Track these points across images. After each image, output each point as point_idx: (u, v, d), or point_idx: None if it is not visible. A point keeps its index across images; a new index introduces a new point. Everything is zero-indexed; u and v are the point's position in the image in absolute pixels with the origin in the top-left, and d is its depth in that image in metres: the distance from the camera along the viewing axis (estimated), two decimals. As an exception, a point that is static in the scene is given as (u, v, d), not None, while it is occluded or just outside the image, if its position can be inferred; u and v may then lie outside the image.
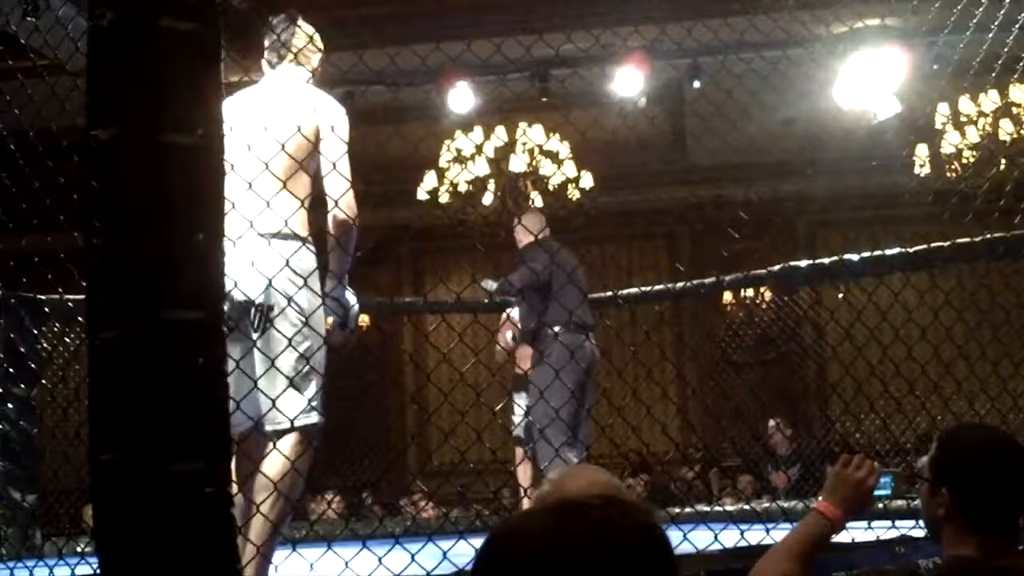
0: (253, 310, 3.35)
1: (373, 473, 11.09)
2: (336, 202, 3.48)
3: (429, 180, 9.31)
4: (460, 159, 9.14)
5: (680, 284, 7.02)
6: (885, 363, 4.55)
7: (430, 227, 9.75)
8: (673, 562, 1.34)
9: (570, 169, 9.22)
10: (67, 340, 6.68)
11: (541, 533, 1.29)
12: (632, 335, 5.98)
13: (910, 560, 2.94)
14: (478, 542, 1.38)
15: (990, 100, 8.00)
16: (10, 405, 5.78)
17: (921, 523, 2.64)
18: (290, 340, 3.32)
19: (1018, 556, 2.28)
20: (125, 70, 2.76)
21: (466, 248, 9.49)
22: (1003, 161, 7.89)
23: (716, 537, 3.83)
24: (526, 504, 5.84)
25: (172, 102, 2.72)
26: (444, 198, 9.33)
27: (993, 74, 5.06)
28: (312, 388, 3.42)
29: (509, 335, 6.58)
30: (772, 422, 9.32)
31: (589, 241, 10.34)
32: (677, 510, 6.25)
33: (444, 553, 3.39)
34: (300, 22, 3.75)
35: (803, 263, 6.75)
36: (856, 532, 3.43)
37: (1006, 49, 5.03)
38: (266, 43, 3.75)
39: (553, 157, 9.17)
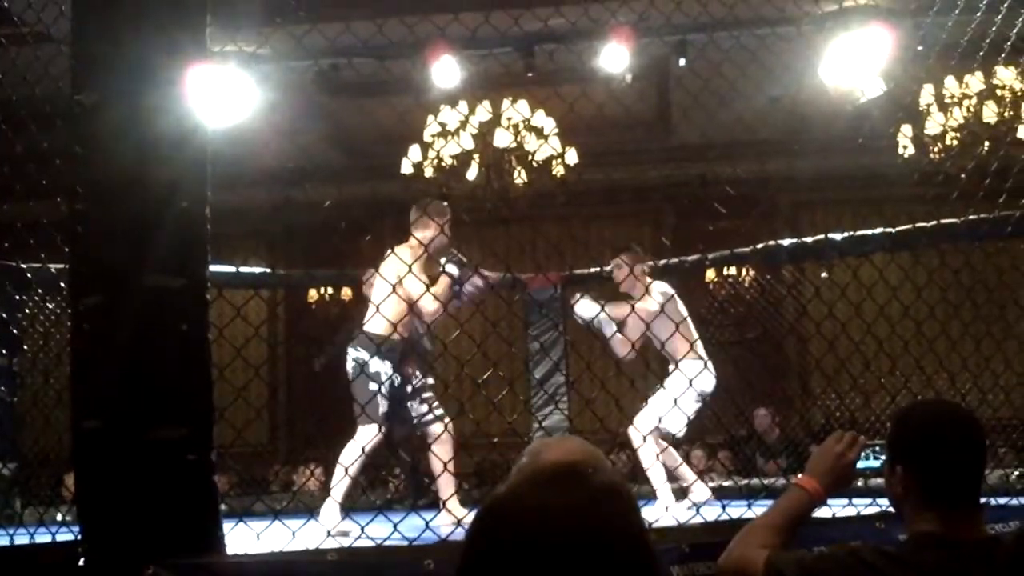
0: None
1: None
2: None
3: (414, 154, 9.26)
4: (445, 133, 9.08)
5: (664, 261, 6.98)
6: (867, 340, 4.57)
7: (414, 200, 9.69)
8: (638, 525, 1.35)
9: (555, 145, 9.17)
10: (49, 308, 6.64)
11: (527, 509, 1.29)
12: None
13: (890, 535, 2.95)
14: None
15: (978, 80, 8.00)
16: (-9, 373, 5.76)
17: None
18: None
19: (979, 527, 2.28)
20: (109, 35, 2.74)
21: (451, 223, 9.44)
22: (986, 143, 7.91)
23: (698, 511, 3.86)
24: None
25: (156, 69, 2.70)
26: (428, 172, 9.27)
27: (981, 53, 5.06)
28: None
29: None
30: (762, 411, 9.15)
31: (574, 217, 10.33)
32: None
33: (427, 523, 3.40)
34: None
35: (786, 241, 6.76)
36: (837, 508, 3.45)
37: (993, 29, 5.04)
38: None
39: (538, 132, 9.11)
